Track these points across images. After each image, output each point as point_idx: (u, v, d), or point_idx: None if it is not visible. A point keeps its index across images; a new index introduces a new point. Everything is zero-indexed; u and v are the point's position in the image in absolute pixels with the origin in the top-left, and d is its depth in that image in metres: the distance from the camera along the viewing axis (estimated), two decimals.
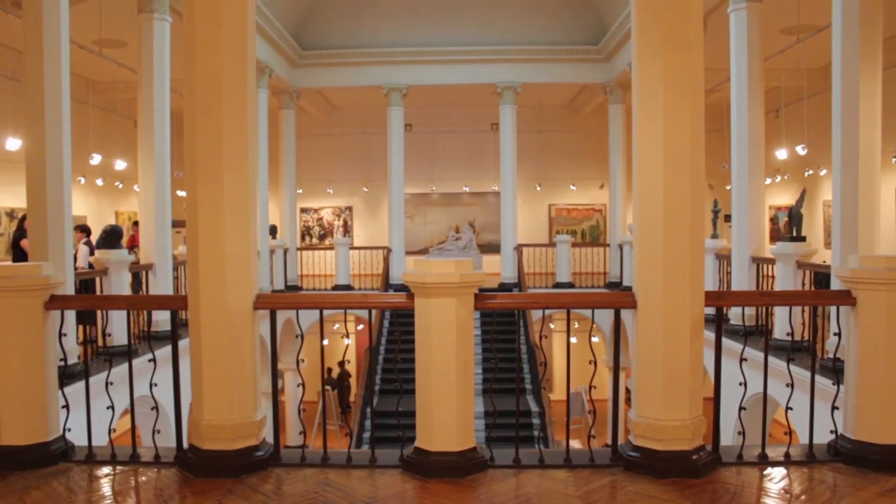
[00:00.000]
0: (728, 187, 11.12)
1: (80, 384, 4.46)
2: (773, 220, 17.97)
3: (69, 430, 4.27)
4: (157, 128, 9.65)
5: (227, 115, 3.87)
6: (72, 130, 7.53)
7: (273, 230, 16.41)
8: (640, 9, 3.92)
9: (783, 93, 13.72)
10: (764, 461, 4.05)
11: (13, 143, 10.46)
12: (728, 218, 10.99)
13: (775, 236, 16.52)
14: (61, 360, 4.21)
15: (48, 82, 7.20)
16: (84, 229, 10.03)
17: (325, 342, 4.44)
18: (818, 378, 4.32)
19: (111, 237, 9.14)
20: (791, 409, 4.19)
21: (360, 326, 18.43)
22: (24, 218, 8.76)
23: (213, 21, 3.84)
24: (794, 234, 9.14)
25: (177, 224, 10.64)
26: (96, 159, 13.55)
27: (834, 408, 4.11)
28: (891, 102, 8.04)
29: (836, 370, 4.24)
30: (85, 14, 10.62)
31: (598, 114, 19.53)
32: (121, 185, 17.03)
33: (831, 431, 4.14)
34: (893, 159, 11.71)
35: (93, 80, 14.50)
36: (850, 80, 7.06)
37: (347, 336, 5.30)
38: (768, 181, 14.71)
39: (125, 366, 4.29)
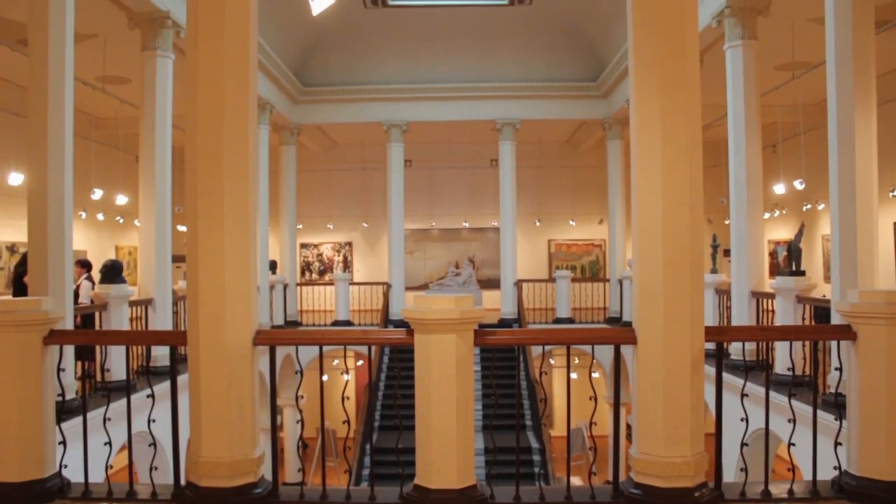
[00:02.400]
0: (727, 222, 11.17)
1: (78, 420, 4.42)
2: (773, 255, 18.01)
3: (65, 466, 4.23)
4: (158, 163, 9.72)
5: (228, 151, 3.90)
6: (74, 165, 7.58)
7: (273, 265, 16.43)
8: (636, 47, 3.97)
9: (780, 128, 13.85)
10: (767, 498, 4.00)
11: (16, 178, 10.52)
12: (727, 252, 11.02)
13: (775, 270, 16.53)
14: (59, 395, 4.19)
15: (52, 118, 7.27)
16: (85, 264, 10.03)
17: (325, 378, 4.42)
18: (820, 413, 4.30)
19: (111, 272, 9.14)
20: (794, 444, 4.16)
21: (360, 362, 18.36)
22: (26, 253, 8.78)
23: (216, 58, 3.89)
24: (794, 268, 9.15)
25: (177, 259, 10.65)
26: (98, 194, 13.62)
27: (837, 443, 4.08)
28: (887, 138, 8.12)
29: (838, 405, 4.22)
30: (89, 51, 10.77)
31: (596, 149, 19.68)
32: (121, 220, 17.08)
33: (835, 468, 4.10)
34: (891, 194, 11.77)
35: (95, 115, 14.64)
36: (845, 116, 7.13)
37: (347, 372, 5.28)
38: (767, 216, 14.78)
39: (123, 401, 4.26)
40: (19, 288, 9.08)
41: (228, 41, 3.89)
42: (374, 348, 14.02)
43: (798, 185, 13.25)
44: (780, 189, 14.16)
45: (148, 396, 4.15)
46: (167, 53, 9.90)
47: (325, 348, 4.23)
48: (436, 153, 20.49)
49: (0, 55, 9.84)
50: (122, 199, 14.82)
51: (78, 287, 9.20)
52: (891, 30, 8.68)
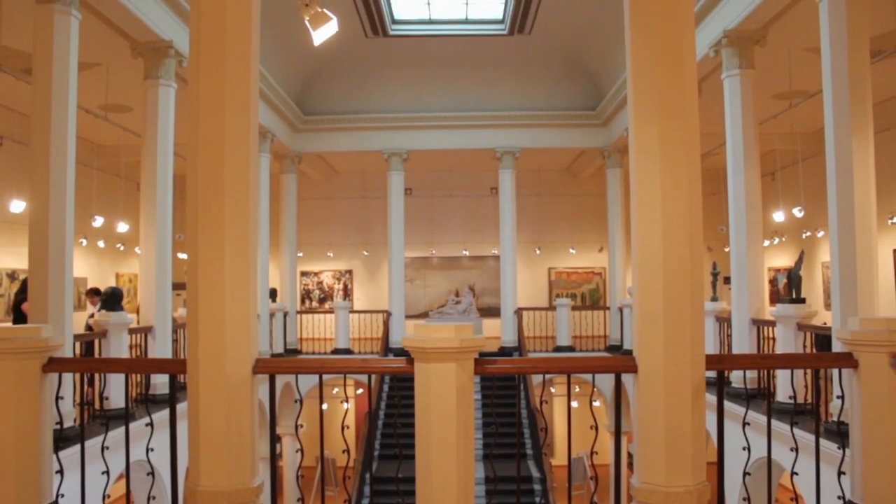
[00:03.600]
0: (727, 249, 11.19)
1: (76, 448, 4.39)
2: (773, 282, 18.00)
3: (62, 495, 4.20)
4: (159, 190, 9.76)
5: (229, 179, 3.92)
6: (75, 193, 7.62)
7: (273, 293, 16.41)
8: (635, 77, 4.01)
9: (778, 156, 13.93)
10: None
11: (17, 206, 10.56)
12: (727, 280, 11.02)
13: (775, 298, 16.52)
14: (57, 423, 4.17)
15: (54, 146, 7.32)
16: (97, 293, 10.08)
17: (325, 407, 4.40)
18: (823, 442, 4.27)
19: (111, 300, 9.15)
20: (797, 474, 4.13)
21: (360, 391, 18.28)
22: (26, 280, 8.79)
23: (218, 87, 3.92)
24: (794, 295, 9.14)
25: (177, 286, 10.65)
26: (99, 221, 13.65)
27: (840, 472, 4.05)
28: (884, 165, 8.16)
29: (840, 433, 4.20)
30: (92, 80, 10.87)
31: (596, 177, 19.76)
32: (122, 247, 17.11)
33: (839, 497, 4.06)
34: (889, 221, 11.80)
35: (98, 143, 14.74)
36: (842, 145, 7.18)
37: (347, 400, 5.25)
38: (766, 243, 14.81)
39: (122, 429, 4.24)
40: (19, 315, 9.09)
41: (230, 70, 3.92)
42: (374, 377, 13.96)
43: (797, 212, 13.30)
44: (779, 216, 14.20)
45: (147, 425, 4.13)
46: (169, 82, 9.98)
47: (324, 377, 4.22)
48: (436, 181, 20.57)
49: (4, 84, 9.92)
50: (122, 227, 14.85)
51: (94, 315, 9.25)
52: (886, 59, 8.77)
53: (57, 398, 4.17)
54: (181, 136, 9.75)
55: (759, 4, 8.91)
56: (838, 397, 4.23)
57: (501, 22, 15.20)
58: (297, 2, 5.70)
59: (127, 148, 13.97)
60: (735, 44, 9.71)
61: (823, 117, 7.46)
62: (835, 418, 6.15)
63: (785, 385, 8.20)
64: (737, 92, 9.77)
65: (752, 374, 9.07)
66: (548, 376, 4.19)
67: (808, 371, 7.62)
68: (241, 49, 3.93)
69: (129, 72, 10.50)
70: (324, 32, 5.72)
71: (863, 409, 3.96)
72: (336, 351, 16.82)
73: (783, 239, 17.09)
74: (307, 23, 5.68)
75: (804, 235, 15.87)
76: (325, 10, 5.69)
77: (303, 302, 21.31)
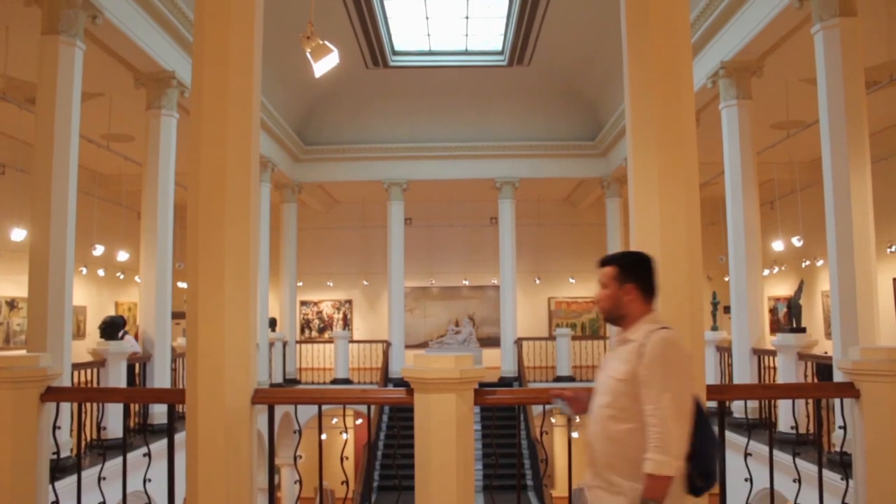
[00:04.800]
0: (726, 279, 11.18)
1: (72, 478, 4.36)
2: (773, 312, 17.97)
3: None
4: (160, 220, 9.78)
5: (230, 209, 3.93)
6: (76, 221, 7.64)
7: (272, 323, 16.38)
8: (633, 108, 4.04)
9: (777, 185, 13.98)
10: None
11: (18, 234, 10.58)
12: (727, 309, 11.00)
13: (775, 327, 16.48)
14: (54, 453, 4.14)
15: (56, 175, 7.36)
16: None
17: (324, 437, 4.38)
18: (826, 473, 4.23)
19: (110, 328, 9.13)
20: None
21: (359, 421, 18.16)
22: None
23: (219, 117, 3.95)
24: (794, 325, 9.12)
25: (177, 315, 10.63)
26: (99, 250, 13.66)
27: None
28: (882, 194, 8.19)
29: (843, 464, 4.17)
30: (95, 109, 10.96)
31: (595, 207, 19.82)
32: (122, 276, 17.10)
33: None
34: (888, 250, 11.81)
35: (99, 172, 14.81)
36: (840, 174, 7.22)
37: (346, 431, 5.22)
38: (766, 272, 14.80)
39: (119, 459, 4.21)
40: None
41: (232, 101, 3.95)
42: (373, 407, 13.91)
43: (796, 241, 13.31)
44: (778, 246, 14.21)
45: (144, 455, 4.10)
46: (171, 112, 10.06)
47: (324, 407, 4.20)
48: (436, 211, 20.63)
49: (8, 113, 9.99)
50: (123, 255, 14.86)
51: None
52: (882, 89, 8.85)
53: (54, 428, 4.15)
54: (182, 165, 9.81)
55: (755, 36, 9.01)
56: (840, 427, 4.21)
57: (501, 53, 15.35)
58: (299, 34, 5.76)
59: (128, 177, 14.03)
60: (732, 74, 9.81)
61: (821, 147, 7.51)
62: (838, 449, 6.11)
63: (787, 415, 8.15)
64: (734, 122, 9.83)
65: (753, 404, 9.01)
66: (548, 407, 4.17)
67: (810, 401, 7.58)
68: (242, 80, 3.97)
69: (131, 102, 10.59)
70: (325, 64, 5.77)
71: (866, 439, 3.94)
72: (335, 381, 16.74)
73: (783, 268, 17.09)
74: (308, 55, 5.73)
75: (804, 264, 15.88)
76: (326, 43, 5.74)
77: (302, 331, 21.25)
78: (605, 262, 3.04)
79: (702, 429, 2.76)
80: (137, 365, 9.61)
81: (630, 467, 2.69)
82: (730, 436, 4.12)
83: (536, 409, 14.83)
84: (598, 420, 2.84)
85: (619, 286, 2.94)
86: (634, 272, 2.95)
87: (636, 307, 2.91)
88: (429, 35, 14.60)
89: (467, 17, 13.78)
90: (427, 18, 13.74)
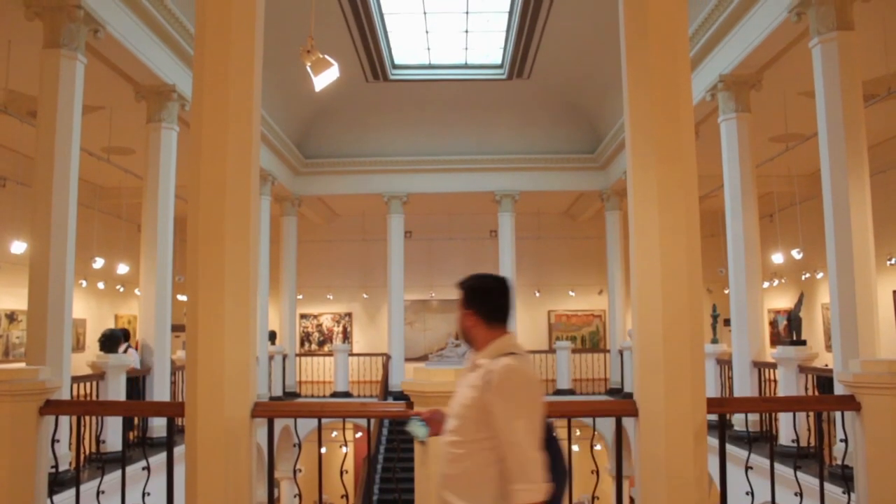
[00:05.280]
0: (726, 291, 11.18)
1: (71, 492, 4.35)
2: (773, 324, 17.95)
3: None
4: (160, 232, 9.79)
5: (230, 222, 3.93)
6: (76, 234, 7.65)
7: (272, 336, 16.35)
8: (633, 121, 4.05)
9: (776, 198, 14.00)
10: None
11: (18, 247, 10.59)
12: (728, 322, 10.99)
13: (775, 340, 16.46)
14: (52, 466, 4.13)
15: (57, 188, 7.37)
16: (122, 333, 10.12)
17: (323, 450, 4.36)
18: (828, 486, 4.22)
19: (110, 341, 9.11)
20: None
21: (359, 434, 18.09)
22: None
23: (220, 131, 3.96)
24: (795, 337, 9.11)
25: (176, 328, 10.62)
26: (99, 263, 13.66)
27: None
28: (881, 207, 8.21)
29: (845, 477, 4.16)
30: (96, 122, 10.99)
31: (595, 220, 19.83)
32: (122, 289, 17.09)
33: None
34: (888, 262, 11.82)
35: (99, 185, 14.82)
36: (839, 187, 7.23)
37: (346, 444, 5.20)
38: (766, 285, 14.80)
39: (118, 473, 4.19)
40: None
41: (232, 114, 3.96)
42: (373, 421, 13.86)
43: (796, 254, 13.32)
44: (778, 258, 14.22)
45: (143, 468, 4.09)
46: (172, 125, 10.08)
47: (323, 420, 4.19)
48: (435, 224, 20.64)
49: (9, 126, 10.03)
50: (123, 268, 14.86)
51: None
52: (880, 103, 8.88)
53: (53, 441, 4.14)
54: (182, 178, 9.83)
55: (753, 50, 9.05)
56: (842, 440, 4.20)
57: (500, 67, 15.41)
58: (299, 47, 5.79)
59: (128, 190, 14.05)
60: (731, 88, 9.84)
61: (820, 160, 7.53)
62: (839, 462, 6.08)
63: (787, 428, 8.13)
64: (734, 135, 9.86)
65: (754, 417, 8.99)
66: (548, 420, 4.16)
67: (811, 414, 7.57)
68: (243, 93, 3.98)
69: (132, 115, 10.62)
70: (325, 78, 5.79)
71: (867, 452, 3.93)
72: (335, 394, 16.70)
73: (783, 281, 17.08)
74: (308, 69, 5.75)
75: (803, 277, 15.88)
76: (326, 56, 5.76)
77: (302, 345, 21.21)
78: (457, 285, 3.01)
79: (551, 452, 2.75)
80: (140, 379, 9.60)
81: (469, 490, 2.67)
82: (730, 449, 4.11)
83: None
84: (444, 443, 2.82)
85: (463, 311, 2.93)
86: (471, 298, 2.92)
87: (478, 332, 2.88)
88: (429, 49, 14.67)
89: (467, 31, 13.84)
90: (427, 32, 13.80)
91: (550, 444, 2.78)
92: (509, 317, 2.93)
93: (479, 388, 2.70)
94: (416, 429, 3.00)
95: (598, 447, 17.17)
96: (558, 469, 2.77)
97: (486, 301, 2.90)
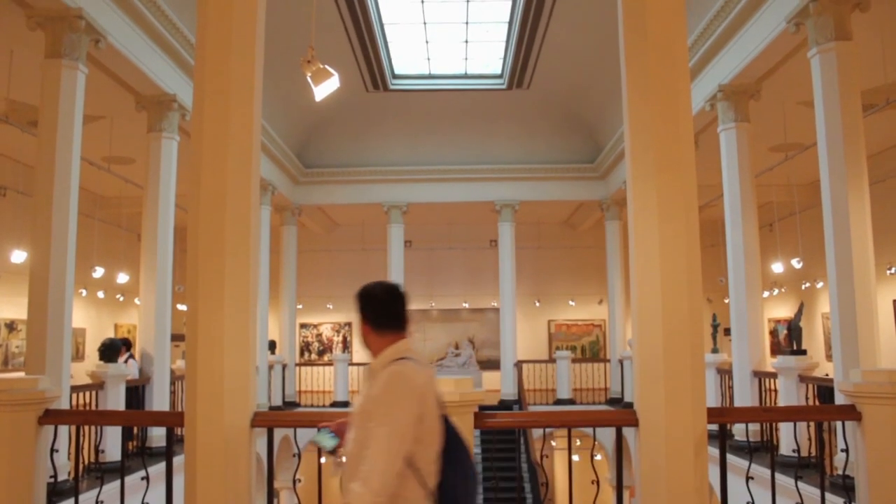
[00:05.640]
0: (726, 301, 11.18)
1: (69, 502, 4.33)
2: (773, 333, 17.94)
3: None
4: (160, 242, 9.79)
5: (230, 231, 3.94)
6: (76, 243, 7.65)
7: (272, 345, 16.33)
8: (632, 131, 4.06)
9: (776, 208, 14.02)
10: None
11: (18, 256, 10.59)
12: (728, 332, 10.98)
13: (776, 349, 16.44)
14: (51, 476, 4.11)
15: (57, 197, 7.38)
16: (124, 343, 10.08)
17: (323, 460, 4.34)
18: (829, 496, 4.21)
19: (109, 351, 9.10)
20: None
21: None
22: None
23: (220, 140, 3.97)
24: (795, 347, 9.10)
25: (176, 338, 10.61)
26: (99, 272, 13.66)
27: None
28: (881, 216, 8.21)
29: (846, 487, 4.14)
30: (96, 132, 11.01)
31: (595, 230, 19.84)
32: (122, 298, 17.08)
33: None
34: (888, 271, 11.82)
35: (99, 194, 14.85)
36: (838, 196, 7.24)
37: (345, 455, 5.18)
38: (766, 294, 14.80)
39: (117, 483, 4.18)
40: None
41: (232, 124, 3.97)
42: None
43: (796, 263, 13.33)
44: (777, 268, 14.23)
45: (142, 478, 4.08)
46: (172, 135, 10.10)
47: None
48: (435, 234, 20.65)
49: (10, 136, 10.05)
50: (122, 278, 14.86)
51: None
52: (878, 113, 8.90)
53: (52, 451, 4.12)
54: (183, 187, 9.84)
55: (752, 60, 9.08)
56: (843, 450, 4.19)
57: (500, 77, 15.46)
58: (300, 57, 5.80)
59: (129, 199, 14.06)
60: (730, 98, 9.87)
61: (819, 169, 7.54)
62: (840, 472, 6.06)
63: (788, 438, 8.11)
64: (733, 145, 9.88)
65: (754, 427, 8.97)
66: (548, 430, 4.15)
67: (812, 424, 7.55)
68: (243, 103, 3.99)
69: (132, 124, 10.65)
70: (326, 88, 5.81)
71: (868, 462, 3.92)
72: (335, 404, 16.67)
73: (783, 290, 17.08)
74: (309, 79, 5.77)
75: (803, 286, 15.88)
76: (326, 67, 5.78)
77: (302, 354, 21.19)
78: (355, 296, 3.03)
79: (453, 466, 2.74)
80: (140, 388, 9.58)
81: None
82: (731, 459, 4.09)
83: (537, 433, 14.74)
84: (346, 452, 2.82)
85: (359, 319, 2.95)
86: (362, 306, 2.94)
87: (371, 340, 2.90)
88: (429, 59, 14.71)
89: (467, 42, 13.89)
90: (427, 42, 13.85)
91: (453, 456, 2.76)
92: (403, 323, 2.92)
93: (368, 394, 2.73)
94: (323, 439, 2.95)
95: (598, 457, 17.12)
96: (462, 480, 2.76)
97: (376, 308, 2.91)
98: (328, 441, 2.95)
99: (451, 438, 2.81)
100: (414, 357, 2.80)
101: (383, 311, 2.91)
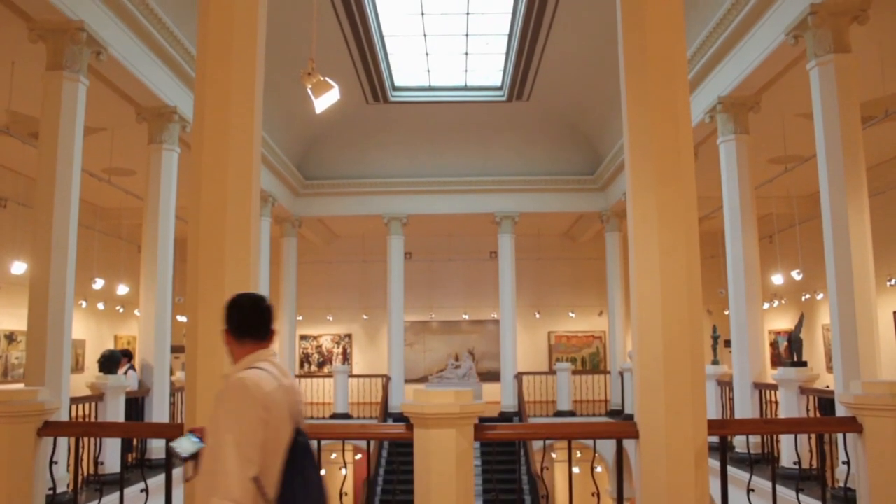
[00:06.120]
0: (726, 312, 11.17)
1: None
2: (774, 345, 17.91)
3: None
4: (160, 253, 9.79)
5: (230, 243, 3.94)
6: (76, 255, 7.65)
7: None
8: (632, 143, 4.07)
9: (776, 219, 14.03)
10: None
11: (18, 267, 10.59)
12: (728, 343, 10.96)
13: (776, 361, 16.41)
14: (50, 488, 4.10)
15: (58, 209, 7.39)
16: (125, 354, 10.05)
17: (322, 472, 4.33)
18: None
19: (109, 362, 9.08)
20: None
21: (359, 456, 17.98)
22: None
23: (220, 152, 3.97)
24: (795, 359, 9.09)
25: (176, 350, 10.59)
26: (99, 283, 13.65)
27: None
28: (881, 228, 8.22)
29: (847, 500, 4.13)
30: (97, 143, 11.04)
31: (595, 241, 19.85)
32: (122, 310, 17.07)
33: None
34: (888, 283, 11.81)
35: (100, 205, 14.86)
36: (838, 208, 7.25)
37: (345, 466, 5.18)
38: (766, 306, 14.79)
39: (116, 495, 4.17)
40: None
41: (233, 136, 3.98)
42: (373, 443, 13.79)
43: (796, 275, 13.32)
44: (777, 279, 14.22)
45: (142, 491, 4.07)
46: (173, 147, 10.12)
47: (323, 442, 4.16)
48: (435, 245, 20.65)
49: (11, 147, 10.07)
50: (122, 289, 14.85)
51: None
52: (878, 124, 8.92)
53: (51, 463, 4.11)
54: (183, 199, 9.85)
55: (751, 72, 9.11)
56: (844, 462, 4.18)
57: (500, 89, 15.51)
58: (300, 69, 5.82)
59: (129, 210, 14.08)
60: (729, 110, 9.89)
61: (819, 181, 7.55)
62: (841, 484, 6.04)
63: (789, 450, 8.08)
64: (733, 157, 9.90)
65: (755, 439, 8.94)
66: (548, 442, 4.14)
67: (813, 436, 7.53)
68: (243, 115, 4.01)
69: (133, 136, 10.68)
70: (326, 100, 5.82)
71: (869, 474, 3.91)
72: (335, 416, 16.62)
73: (783, 302, 17.07)
74: (309, 91, 5.79)
75: (804, 298, 15.87)
76: (327, 79, 5.80)
77: (301, 366, 21.14)
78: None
79: (298, 479, 2.73)
80: (139, 400, 9.56)
81: None
82: (732, 471, 4.08)
83: (537, 445, 14.70)
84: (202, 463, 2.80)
85: (223, 328, 2.97)
86: (226, 315, 2.97)
87: (233, 348, 2.94)
88: (429, 71, 14.76)
89: (467, 54, 13.94)
90: (427, 55, 13.90)
91: (298, 465, 2.75)
92: (265, 333, 2.95)
93: None
94: (182, 444, 2.87)
95: (598, 469, 17.07)
96: (305, 489, 2.75)
97: (236, 318, 2.94)
98: (187, 445, 2.86)
99: (302, 452, 2.80)
100: (270, 367, 2.81)
101: (244, 320, 2.94)
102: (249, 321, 2.94)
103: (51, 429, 4.09)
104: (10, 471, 3.89)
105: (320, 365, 21.53)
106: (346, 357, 21.47)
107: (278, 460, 2.71)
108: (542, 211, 17.62)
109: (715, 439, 4.04)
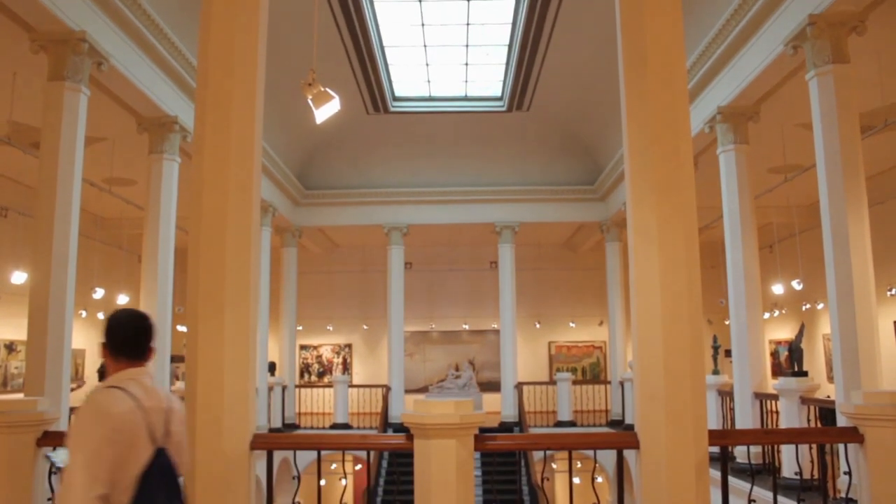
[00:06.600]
0: (727, 322, 11.16)
1: None
2: (774, 355, 17.89)
3: None
4: (160, 263, 9.79)
5: (231, 253, 3.94)
6: (76, 264, 7.65)
7: (272, 367, 16.28)
8: (631, 153, 4.08)
9: (776, 229, 14.04)
10: None
11: (18, 277, 10.58)
12: (728, 353, 10.95)
13: (777, 371, 16.39)
14: (49, 499, 4.09)
15: (58, 218, 7.39)
16: None
17: (323, 483, 4.32)
18: None
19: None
20: None
21: (359, 466, 17.94)
22: None
23: (221, 162, 3.98)
24: (796, 368, 9.07)
25: (176, 359, 10.57)
26: (99, 293, 13.65)
27: None
28: (881, 238, 8.22)
29: None
30: (98, 153, 11.06)
31: (595, 251, 19.85)
32: None
33: None
34: (888, 293, 11.81)
35: (100, 215, 14.87)
36: (838, 218, 7.25)
37: (345, 477, 5.16)
38: (766, 316, 14.77)
39: None
40: None
41: (234, 146, 3.99)
42: (373, 453, 13.75)
43: (796, 284, 13.32)
44: (778, 289, 14.21)
45: None
46: (173, 157, 10.14)
47: (323, 452, 4.16)
48: (436, 255, 20.66)
49: (12, 157, 10.09)
50: (123, 299, 14.84)
51: None
52: (876, 134, 8.94)
53: (50, 473, 4.10)
54: (184, 209, 9.86)
55: (750, 82, 9.14)
56: (845, 473, 4.17)
57: (500, 99, 15.55)
58: (301, 80, 5.84)
59: (129, 220, 14.09)
60: (729, 120, 9.92)
61: (819, 191, 7.56)
62: (843, 494, 6.02)
63: (790, 460, 8.06)
64: (732, 166, 9.92)
65: (756, 449, 8.92)
66: (549, 452, 4.13)
67: (814, 446, 7.51)
68: (244, 125, 4.01)
69: (134, 146, 10.70)
70: (326, 111, 5.83)
71: (871, 484, 3.90)
72: (335, 426, 16.59)
73: (783, 311, 17.06)
74: (310, 101, 5.80)
75: (804, 307, 15.86)
76: (327, 90, 5.81)
77: (302, 376, 21.11)
78: None
79: (145, 495, 2.71)
80: None
81: None
82: (733, 481, 4.07)
83: (537, 455, 14.65)
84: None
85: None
86: (104, 330, 2.97)
87: (108, 364, 2.94)
88: (429, 81, 14.80)
89: (467, 64, 13.98)
90: (427, 65, 13.94)
91: (151, 485, 2.72)
92: (140, 352, 2.94)
93: None
94: (61, 455, 2.87)
95: (599, 479, 17.02)
96: None
97: (113, 335, 2.94)
98: (65, 457, 2.80)
99: (158, 473, 2.77)
100: (135, 387, 2.80)
101: (120, 338, 2.93)
102: (126, 340, 2.93)
103: (50, 439, 4.08)
104: (9, 481, 3.88)
105: (320, 375, 21.50)
106: (347, 367, 21.44)
107: (129, 480, 2.68)
108: (542, 221, 17.64)
109: (716, 449, 4.02)
